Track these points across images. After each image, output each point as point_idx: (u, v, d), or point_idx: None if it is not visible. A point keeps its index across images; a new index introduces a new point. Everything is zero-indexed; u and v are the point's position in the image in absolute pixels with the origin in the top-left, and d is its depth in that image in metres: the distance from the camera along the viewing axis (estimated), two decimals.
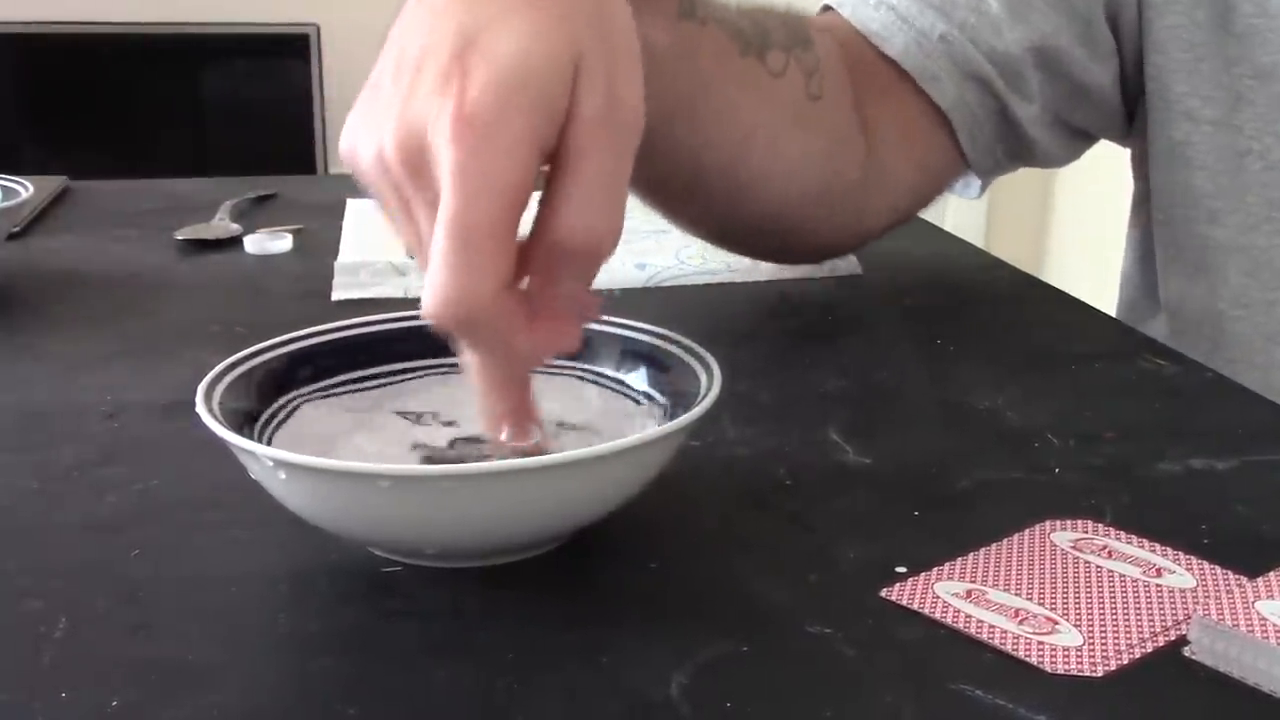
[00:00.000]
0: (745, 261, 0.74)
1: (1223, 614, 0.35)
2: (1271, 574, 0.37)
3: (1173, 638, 0.36)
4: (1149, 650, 0.35)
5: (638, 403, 0.46)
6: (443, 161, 0.37)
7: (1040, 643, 0.35)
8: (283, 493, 0.38)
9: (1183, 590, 0.38)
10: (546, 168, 0.40)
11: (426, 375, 0.48)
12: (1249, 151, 0.65)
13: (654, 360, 0.46)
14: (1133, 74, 0.70)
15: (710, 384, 0.42)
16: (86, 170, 1.02)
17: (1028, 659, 0.35)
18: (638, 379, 0.46)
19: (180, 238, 0.79)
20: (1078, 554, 0.40)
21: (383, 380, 0.48)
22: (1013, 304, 0.73)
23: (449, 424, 0.46)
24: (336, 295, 0.69)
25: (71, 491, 0.45)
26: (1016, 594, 0.38)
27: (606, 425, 0.45)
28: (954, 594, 0.38)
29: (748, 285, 0.71)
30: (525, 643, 0.36)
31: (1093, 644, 0.35)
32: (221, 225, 0.82)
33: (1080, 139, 0.75)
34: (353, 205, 0.89)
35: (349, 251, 0.78)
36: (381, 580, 0.39)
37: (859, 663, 0.35)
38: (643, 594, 0.39)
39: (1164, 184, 0.70)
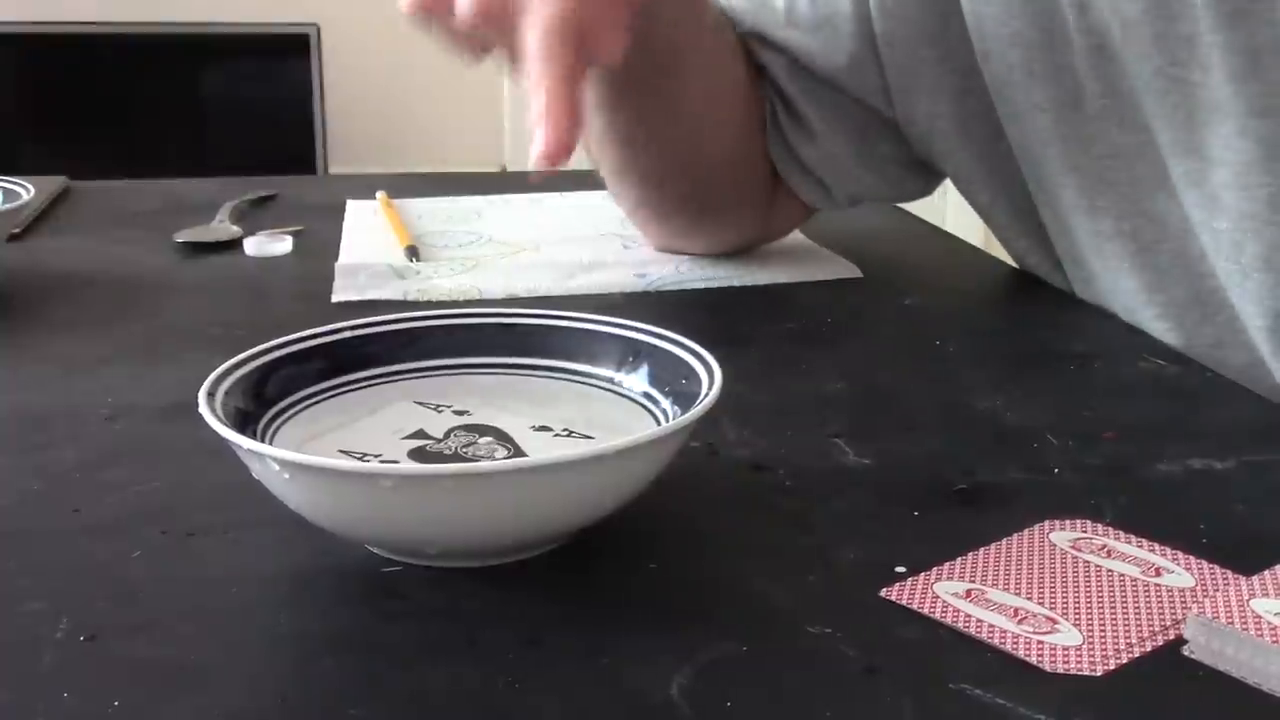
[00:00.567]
0: (745, 267, 0.74)
1: (1218, 612, 0.35)
2: (1266, 572, 0.37)
3: (1172, 637, 0.36)
4: (1148, 649, 0.35)
5: (638, 403, 0.46)
6: None
7: (1040, 642, 0.35)
8: (284, 492, 0.38)
9: (1182, 590, 0.38)
10: None
11: (427, 375, 0.48)
12: (1119, 233, 0.64)
13: (654, 361, 0.46)
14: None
15: (710, 384, 0.42)
16: (86, 170, 1.02)
17: (1028, 658, 0.35)
18: (638, 379, 0.46)
19: (180, 240, 0.79)
20: (1077, 554, 0.40)
21: (383, 381, 0.48)
22: (1013, 304, 0.73)
23: (461, 413, 0.46)
24: (336, 297, 0.69)
25: (72, 493, 0.45)
26: (1016, 594, 0.38)
27: (606, 426, 0.45)
28: (954, 594, 0.38)
29: (747, 288, 0.71)
30: (525, 643, 0.36)
31: (1092, 643, 0.35)
32: (222, 227, 0.82)
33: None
34: (353, 206, 0.89)
35: (349, 254, 0.78)
36: (382, 580, 0.39)
37: (859, 663, 0.35)
38: (643, 594, 0.39)
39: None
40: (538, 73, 0.45)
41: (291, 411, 0.45)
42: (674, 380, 0.45)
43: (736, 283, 0.72)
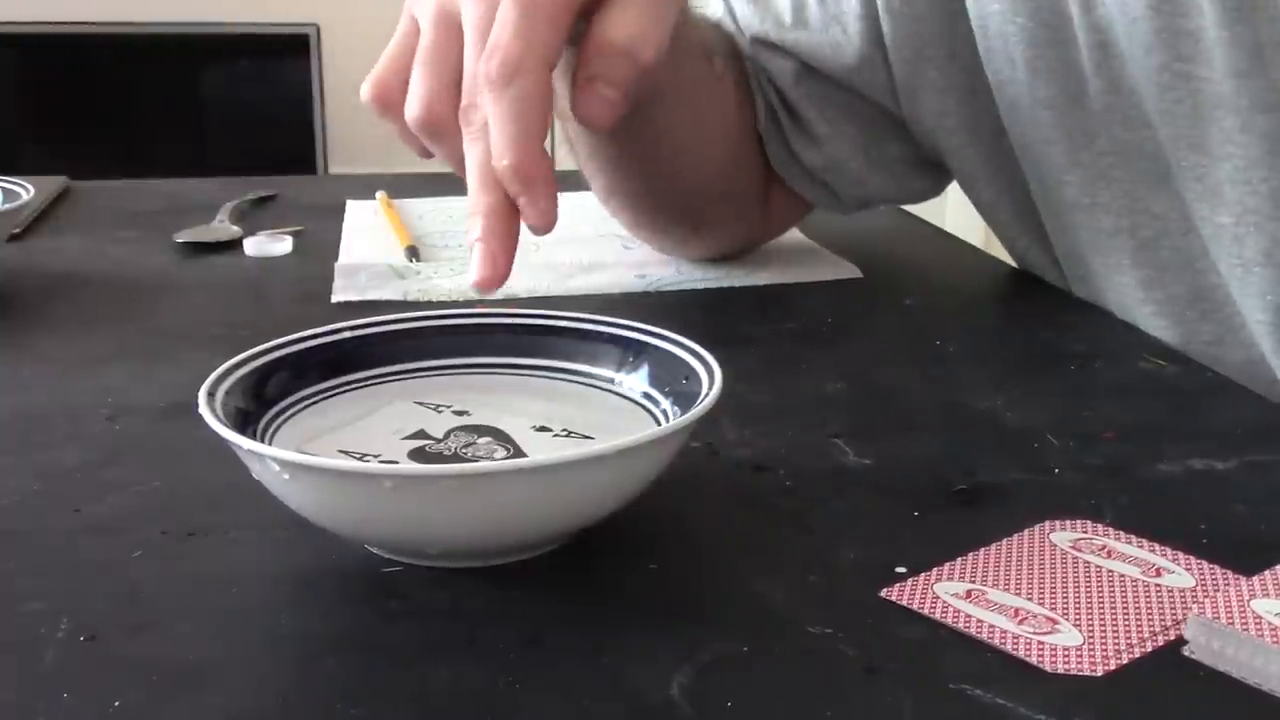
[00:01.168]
0: (745, 267, 0.74)
1: (1219, 613, 0.35)
2: (1267, 572, 0.37)
3: (1172, 637, 0.36)
4: (1149, 650, 0.35)
5: (638, 403, 0.46)
6: None
7: (1040, 642, 0.35)
8: (285, 493, 0.38)
9: (1182, 590, 0.38)
10: None
11: (427, 375, 0.48)
12: (1119, 230, 0.64)
13: (654, 361, 0.46)
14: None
15: (711, 385, 0.42)
16: (86, 170, 1.02)
17: (1028, 659, 0.35)
18: (638, 379, 0.46)
19: (180, 240, 0.79)
20: (1077, 554, 0.40)
21: (383, 381, 0.48)
22: (1013, 304, 0.73)
23: (460, 413, 0.46)
24: (336, 297, 0.69)
25: (72, 492, 0.45)
26: (1016, 594, 0.38)
27: (606, 426, 0.45)
28: (954, 594, 0.38)
29: (747, 288, 0.71)
30: (526, 643, 0.36)
31: (1092, 643, 0.35)
32: (222, 228, 0.82)
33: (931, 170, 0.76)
34: (353, 206, 0.89)
35: (349, 254, 0.78)
36: (382, 580, 0.39)
37: (859, 663, 0.35)
38: (643, 594, 0.39)
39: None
40: (474, 199, 0.44)
41: (291, 411, 0.45)
42: (674, 380, 0.45)
43: (736, 283, 0.72)
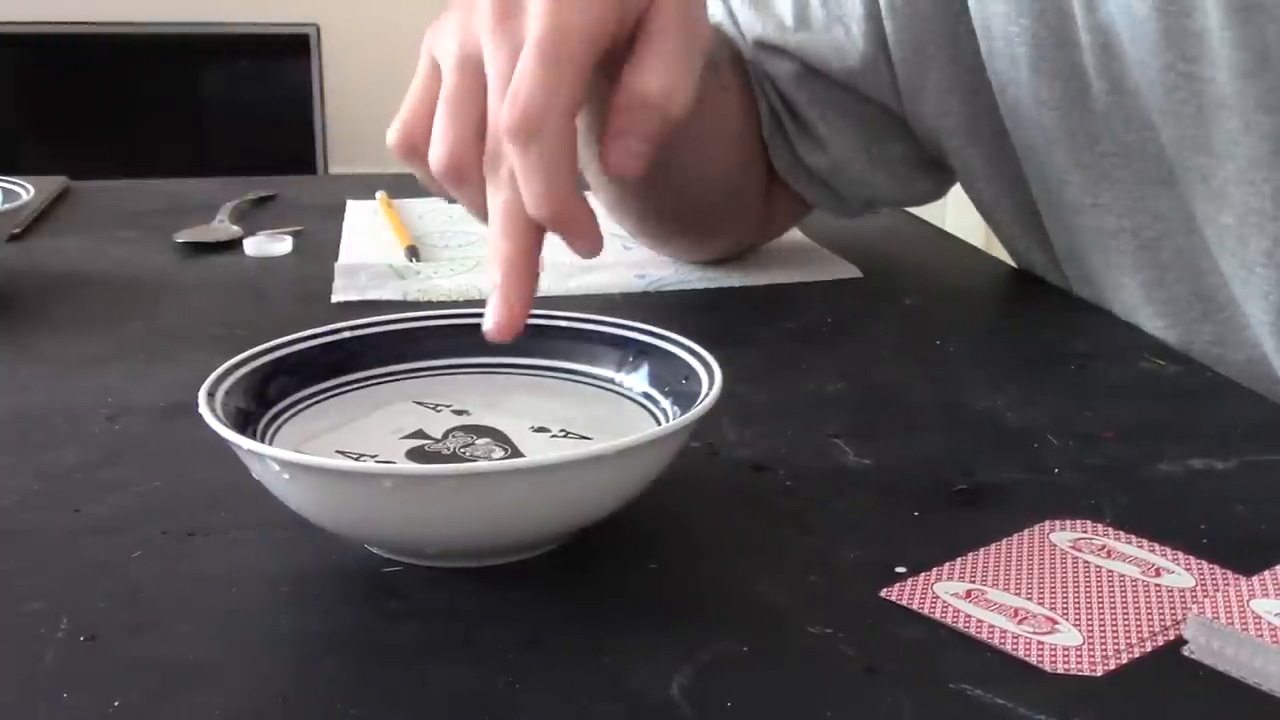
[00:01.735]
0: (745, 267, 0.74)
1: (1218, 613, 0.35)
2: (1266, 572, 0.37)
3: (1172, 637, 0.36)
4: (1148, 650, 0.35)
5: (638, 403, 0.46)
6: (534, 3, 0.44)
7: (1040, 642, 0.35)
8: (285, 493, 0.38)
9: (1182, 590, 0.38)
10: None
11: (427, 375, 0.48)
12: (1121, 230, 0.64)
13: (654, 361, 0.46)
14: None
15: (711, 385, 0.42)
16: (86, 170, 1.02)
17: (1028, 659, 0.35)
18: (638, 380, 0.46)
19: (180, 240, 0.79)
20: (1077, 554, 0.40)
21: (383, 381, 0.48)
22: (1013, 304, 0.73)
23: (460, 412, 0.46)
24: (336, 297, 0.69)
25: (72, 492, 0.45)
26: (1016, 594, 0.38)
27: (606, 426, 0.45)
28: (954, 594, 0.38)
29: (747, 289, 0.71)
30: (525, 643, 0.36)
31: (1092, 643, 0.35)
32: (222, 228, 0.82)
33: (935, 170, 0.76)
34: (353, 206, 0.89)
35: (349, 254, 0.78)
36: (382, 580, 0.39)
37: (859, 663, 0.35)
38: (643, 594, 0.39)
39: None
40: (495, 246, 0.44)
41: (292, 411, 0.45)
42: (674, 380, 0.45)
43: (736, 283, 0.72)
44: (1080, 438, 0.49)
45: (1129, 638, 0.36)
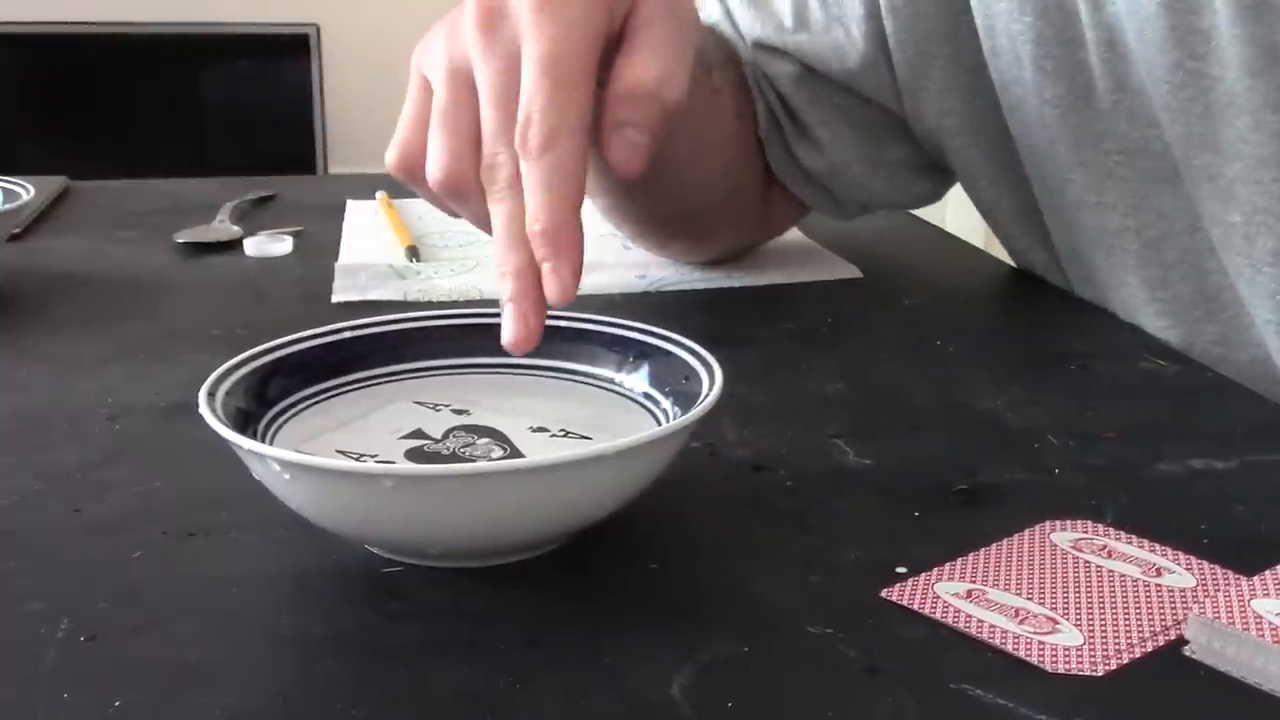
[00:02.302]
0: (745, 267, 0.74)
1: (1219, 613, 0.35)
2: (1267, 572, 0.37)
3: (1173, 637, 0.36)
4: (1149, 650, 0.35)
5: (638, 403, 0.46)
6: (523, 13, 0.44)
7: (1041, 642, 0.35)
8: (285, 493, 0.38)
9: (1182, 590, 0.38)
10: None
11: (427, 375, 0.48)
12: (1125, 230, 0.64)
13: (654, 361, 0.46)
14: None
15: (711, 385, 0.42)
16: (86, 170, 1.02)
17: (1028, 659, 0.35)
18: (638, 380, 0.46)
19: (180, 240, 0.79)
20: (1078, 554, 0.40)
21: (383, 381, 0.48)
22: (1013, 304, 0.73)
23: (460, 412, 0.46)
24: (337, 297, 0.69)
25: (73, 493, 0.45)
26: (1017, 594, 0.38)
27: (606, 426, 0.45)
28: (954, 594, 0.38)
29: (747, 288, 0.71)
30: (526, 643, 0.36)
31: (1093, 643, 0.35)
32: (222, 228, 0.82)
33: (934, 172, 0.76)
34: (353, 206, 0.89)
35: (349, 254, 0.78)
36: (383, 581, 0.39)
37: (860, 663, 0.35)
38: (644, 594, 0.39)
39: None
40: (502, 259, 0.44)
41: (292, 411, 0.45)
42: (674, 380, 0.45)
43: (737, 283, 0.72)
44: (1081, 438, 0.49)
45: (1130, 638, 0.36)
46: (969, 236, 0.86)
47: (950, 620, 0.36)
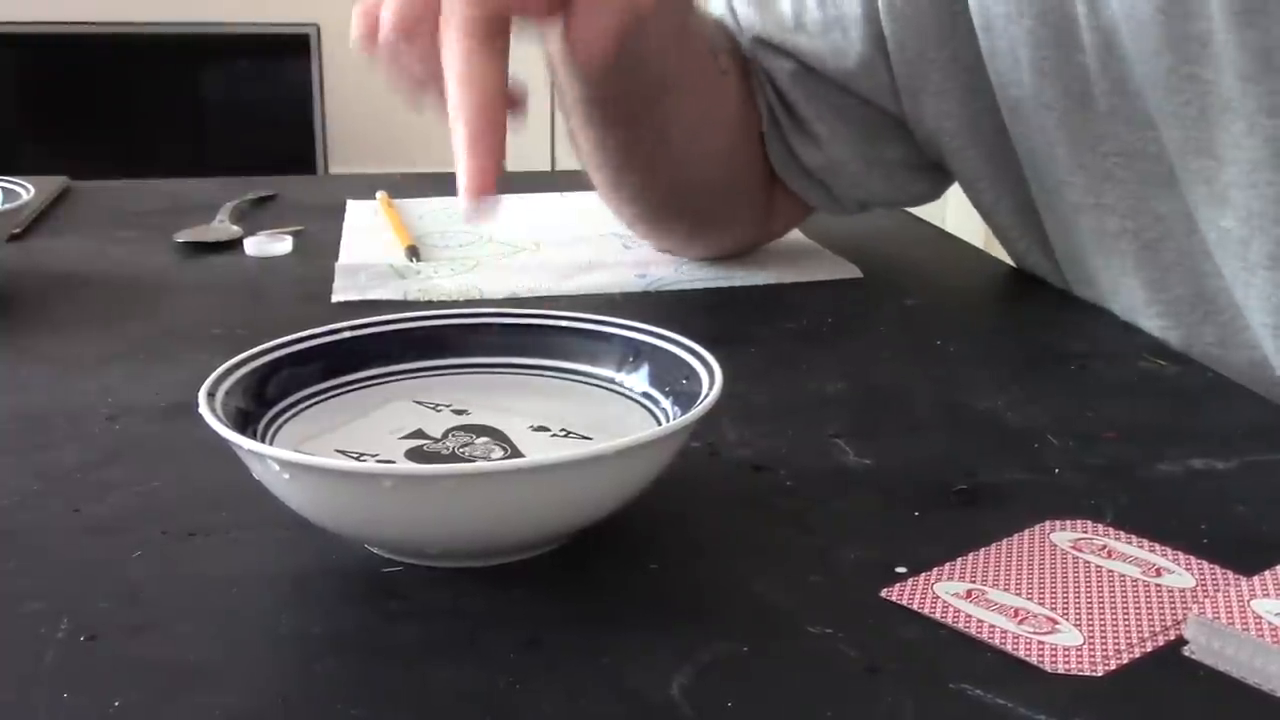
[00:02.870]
0: (745, 267, 0.74)
1: (1219, 613, 0.35)
2: (1267, 572, 0.37)
3: (1172, 637, 0.36)
4: (1149, 650, 0.35)
5: (638, 403, 0.46)
6: None
7: (1040, 642, 0.35)
8: (285, 493, 0.38)
9: (1182, 590, 0.38)
10: None
11: (427, 375, 0.48)
12: (1123, 232, 0.64)
13: (654, 361, 0.46)
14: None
15: (711, 384, 0.42)
16: (86, 170, 1.02)
17: (1028, 659, 0.35)
18: (638, 380, 0.46)
19: (180, 240, 0.79)
20: (1077, 554, 0.40)
21: (383, 381, 0.48)
22: (1013, 304, 0.73)
23: (460, 411, 0.46)
24: (337, 297, 0.69)
25: (72, 492, 0.45)
26: (1017, 594, 0.38)
27: (606, 426, 0.45)
28: (954, 594, 0.38)
29: (747, 289, 0.71)
30: (526, 643, 0.36)
31: (1093, 643, 0.35)
32: (222, 227, 0.82)
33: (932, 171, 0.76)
34: (353, 206, 0.89)
35: (349, 253, 0.78)
36: (383, 581, 0.39)
37: (860, 663, 0.35)
38: (644, 594, 0.39)
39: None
40: (455, 97, 0.42)
41: (292, 411, 0.45)
42: (674, 380, 0.45)
43: (736, 283, 0.72)
44: (1081, 438, 0.49)
45: (1129, 638, 0.36)
46: (969, 236, 0.86)
47: (950, 620, 0.36)
